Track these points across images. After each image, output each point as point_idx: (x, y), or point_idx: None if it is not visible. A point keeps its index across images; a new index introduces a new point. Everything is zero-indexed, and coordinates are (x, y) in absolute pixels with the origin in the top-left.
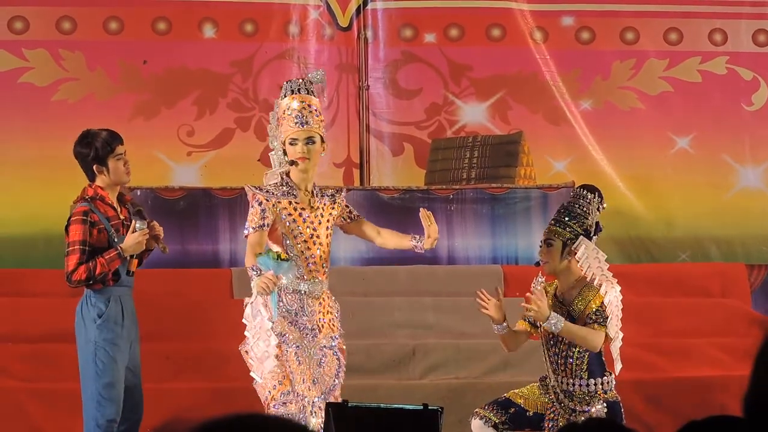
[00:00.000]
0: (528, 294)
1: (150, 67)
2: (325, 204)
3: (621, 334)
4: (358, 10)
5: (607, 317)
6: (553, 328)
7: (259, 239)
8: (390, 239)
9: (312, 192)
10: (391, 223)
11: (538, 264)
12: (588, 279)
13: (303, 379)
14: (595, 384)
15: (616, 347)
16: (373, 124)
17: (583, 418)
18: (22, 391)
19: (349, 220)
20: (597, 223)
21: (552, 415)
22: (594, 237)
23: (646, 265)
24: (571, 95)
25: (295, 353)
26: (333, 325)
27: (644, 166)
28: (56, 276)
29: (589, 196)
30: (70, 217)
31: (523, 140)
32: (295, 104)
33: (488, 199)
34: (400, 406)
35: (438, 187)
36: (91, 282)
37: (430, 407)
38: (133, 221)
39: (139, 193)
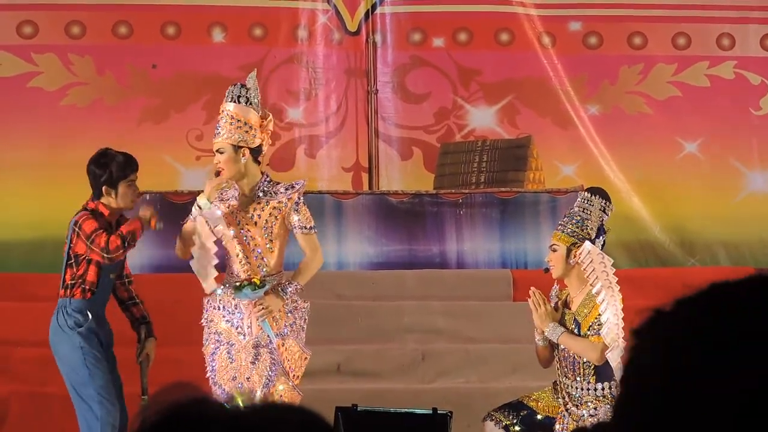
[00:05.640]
0: (530, 301)
1: (159, 72)
2: (266, 207)
3: (623, 343)
4: (366, 15)
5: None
6: (552, 337)
7: (184, 229)
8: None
9: (253, 195)
10: (400, 227)
11: (546, 270)
12: (590, 283)
13: (234, 377)
14: (603, 388)
15: (616, 356)
16: (381, 128)
17: (590, 422)
18: (31, 395)
19: (294, 229)
20: (600, 226)
21: (562, 420)
22: (597, 240)
23: (654, 269)
24: (579, 100)
25: (228, 351)
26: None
27: (652, 171)
28: None
29: (592, 199)
30: (76, 224)
31: (532, 144)
32: (221, 115)
33: (497, 203)
34: (410, 410)
35: (447, 191)
36: (126, 245)
37: (439, 411)
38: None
39: (148, 197)
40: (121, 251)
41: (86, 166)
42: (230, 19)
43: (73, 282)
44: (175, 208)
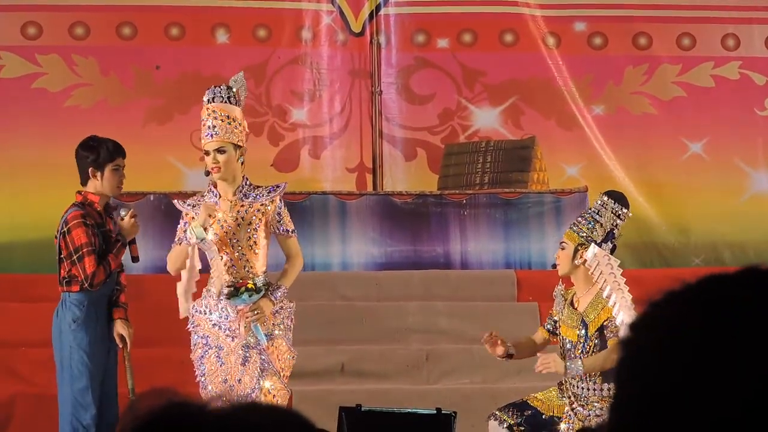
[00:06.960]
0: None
1: (163, 73)
2: (249, 209)
3: None
4: (371, 16)
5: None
6: (578, 373)
7: (178, 253)
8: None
9: (236, 198)
10: (404, 228)
11: (554, 266)
12: (599, 287)
13: (224, 379)
14: (609, 389)
15: None
16: (386, 129)
17: (596, 422)
18: (35, 396)
19: (277, 232)
20: (611, 231)
21: (568, 419)
22: (605, 244)
23: (659, 270)
24: (583, 100)
25: (217, 354)
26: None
27: (657, 171)
28: None
29: (607, 202)
30: (66, 224)
31: (536, 145)
32: (206, 116)
33: (501, 203)
34: (414, 410)
35: (451, 192)
36: (107, 280)
37: (443, 412)
38: (118, 212)
39: (152, 198)
40: (102, 284)
41: (75, 151)
42: (234, 20)
43: (68, 277)
44: (178, 209)
